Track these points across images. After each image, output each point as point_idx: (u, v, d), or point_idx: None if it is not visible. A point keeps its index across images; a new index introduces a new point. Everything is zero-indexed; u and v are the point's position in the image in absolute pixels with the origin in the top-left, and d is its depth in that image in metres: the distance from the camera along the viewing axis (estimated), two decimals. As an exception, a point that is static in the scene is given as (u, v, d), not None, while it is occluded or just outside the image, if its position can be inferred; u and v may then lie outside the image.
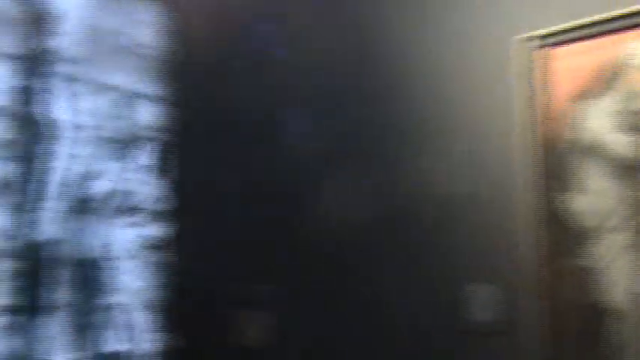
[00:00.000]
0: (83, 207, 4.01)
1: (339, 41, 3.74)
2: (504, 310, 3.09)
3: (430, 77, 3.40)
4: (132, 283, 4.16)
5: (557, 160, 2.99)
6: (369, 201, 3.58)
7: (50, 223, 3.80)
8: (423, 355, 3.30)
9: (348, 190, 3.66)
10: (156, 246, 4.29)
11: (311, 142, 3.86)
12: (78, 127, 3.94)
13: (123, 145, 4.22)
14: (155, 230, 4.29)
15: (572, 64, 2.99)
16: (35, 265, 3.73)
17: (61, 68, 3.86)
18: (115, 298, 4.06)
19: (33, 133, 3.76)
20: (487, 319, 3.16)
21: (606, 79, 2.93)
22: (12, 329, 3.59)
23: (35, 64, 3.77)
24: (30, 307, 3.70)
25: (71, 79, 3.91)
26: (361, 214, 3.59)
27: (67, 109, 3.89)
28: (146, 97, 4.35)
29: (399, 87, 3.50)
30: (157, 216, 4.31)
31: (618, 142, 2.86)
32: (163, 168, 4.37)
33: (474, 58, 3.25)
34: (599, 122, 2.94)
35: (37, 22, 3.79)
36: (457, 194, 3.27)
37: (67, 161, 3.88)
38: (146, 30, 4.40)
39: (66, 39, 3.89)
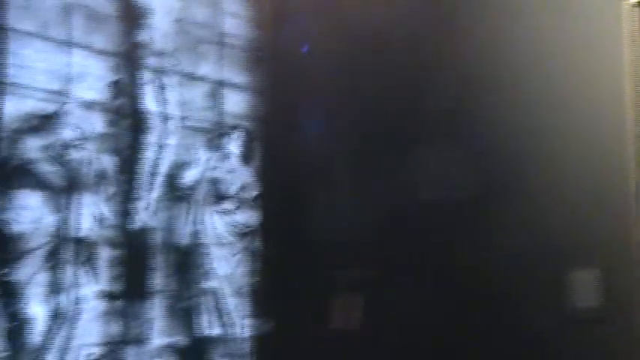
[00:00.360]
0: (175, 196, 4.15)
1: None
2: (613, 296, 2.98)
3: (545, 44, 3.32)
4: (223, 270, 4.27)
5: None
6: (465, 180, 3.51)
7: (145, 212, 3.96)
8: (527, 340, 3.23)
9: (441, 170, 3.61)
10: (246, 232, 4.39)
11: (398, 125, 3.84)
12: (168, 118, 4.08)
13: (212, 134, 4.33)
14: (245, 217, 4.39)
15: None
16: (132, 252, 3.91)
17: (152, 61, 3.99)
18: (207, 284, 4.19)
19: (129, 126, 3.92)
20: (593, 305, 3.05)
21: None
22: (112, 314, 3.78)
23: (127, 58, 3.93)
24: (129, 292, 3.88)
25: (161, 72, 4.05)
26: (460, 195, 3.52)
27: (157, 101, 4.03)
28: (233, 86, 4.45)
29: (510, 54, 3.45)
30: (246, 203, 4.41)
31: None
32: (251, 156, 4.46)
33: (585, 23, 3.19)
34: None
35: (128, 17, 3.94)
36: (567, 173, 3.16)
37: (159, 152, 4.03)
38: (232, 20, 4.48)
39: (155, 33, 4.02)
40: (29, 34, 3.50)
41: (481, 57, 3.55)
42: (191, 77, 4.22)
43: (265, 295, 4.37)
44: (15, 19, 3.43)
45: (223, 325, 4.23)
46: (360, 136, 4.02)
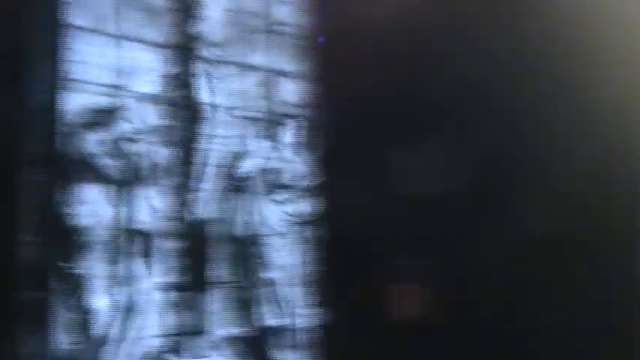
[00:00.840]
0: (237, 186, 4.19)
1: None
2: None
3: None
4: (286, 259, 4.30)
5: None
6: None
7: (207, 202, 4.01)
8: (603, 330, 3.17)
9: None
10: (303, 222, 4.40)
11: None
12: (228, 109, 4.11)
13: (269, 123, 4.35)
14: (301, 206, 4.40)
15: None
16: (195, 243, 3.97)
17: (207, 53, 4.03)
18: (269, 274, 4.22)
19: (185, 118, 3.97)
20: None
21: None
22: (177, 305, 3.85)
23: (182, 50, 3.98)
24: (192, 284, 3.95)
25: (217, 63, 4.08)
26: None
27: (214, 92, 4.07)
28: (289, 75, 4.45)
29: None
30: (306, 192, 4.41)
31: None
32: (309, 144, 4.45)
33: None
34: None
35: (181, 10, 3.98)
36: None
37: (219, 142, 4.07)
38: (284, 8, 4.47)
39: (209, 24, 4.06)
40: (88, 30, 3.58)
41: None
42: (244, 67, 4.24)
43: (325, 285, 4.37)
44: (75, 17, 3.51)
45: (283, 316, 4.26)
46: (414, 120, 3.97)
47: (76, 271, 3.44)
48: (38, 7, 3.38)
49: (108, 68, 3.63)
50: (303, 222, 4.40)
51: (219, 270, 4.03)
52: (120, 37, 3.69)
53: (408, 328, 4.03)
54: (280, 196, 4.31)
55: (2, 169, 3.19)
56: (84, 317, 3.46)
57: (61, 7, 3.45)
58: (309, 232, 4.40)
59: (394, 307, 4.11)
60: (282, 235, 4.30)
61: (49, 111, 3.38)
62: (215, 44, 4.05)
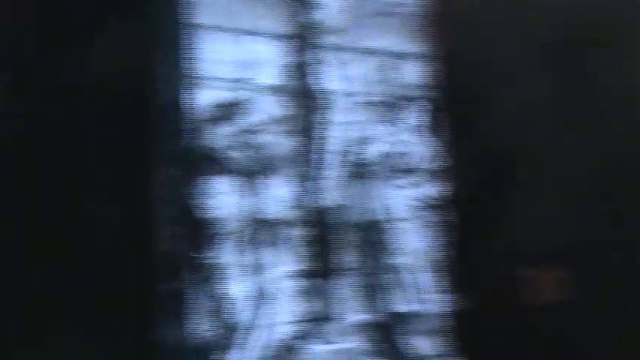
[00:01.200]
0: (361, 172, 4.21)
1: None
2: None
3: None
4: (414, 244, 4.28)
5: None
6: None
7: (332, 190, 4.06)
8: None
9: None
10: (434, 205, 4.35)
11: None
12: (349, 95, 4.12)
13: (393, 107, 4.32)
14: (432, 190, 4.35)
15: None
16: (322, 231, 4.04)
17: (328, 39, 4.06)
18: (398, 260, 4.22)
19: (308, 106, 4.04)
20: None
21: None
22: (306, 293, 3.95)
23: (303, 39, 4.03)
24: (321, 271, 4.02)
25: (338, 49, 4.10)
26: None
27: (337, 78, 4.10)
28: (412, 56, 4.39)
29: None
30: (432, 175, 4.36)
31: None
32: (434, 126, 4.39)
33: None
34: None
35: (303, 0, 4.04)
36: None
37: (341, 129, 4.10)
38: (404, -12, 4.42)
39: (329, 10, 4.08)
40: (210, 27, 3.73)
41: None
42: (366, 51, 4.22)
43: (456, 270, 4.32)
44: (197, 16, 3.65)
45: (415, 302, 4.25)
46: (544, 102, 3.84)
47: (209, 261, 3.61)
48: (162, 8, 3.56)
49: (230, 63, 3.75)
50: (432, 205, 4.35)
51: (347, 257, 4.07)
52: (240, 32, 3.80)
53: (545, 311, 3.92)
54: (405, 180, 4.29)
55: (137, 166, 3.41)
56: (218, 306, 3.62)
57: (183, 6, 3.61)
58: (437, 215, 4.35)
59: (529, 290, 4.00)
60: (410, 219, 4.29)
61: (177, 108, 3.56)
62: (333, 31, 4.07)
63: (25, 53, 3.15)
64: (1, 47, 3.09)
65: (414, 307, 4.24)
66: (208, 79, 3.67)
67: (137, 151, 3.39)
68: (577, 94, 4.04)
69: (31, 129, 3.10)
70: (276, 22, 3.93)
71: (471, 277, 4.24)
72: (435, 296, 4.29)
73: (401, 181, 4.27)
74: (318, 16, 4.03)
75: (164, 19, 3.58)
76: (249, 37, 3.82)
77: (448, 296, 4.31)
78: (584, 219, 3.99)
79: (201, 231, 3.57)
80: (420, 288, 4.26)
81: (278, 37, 3.94)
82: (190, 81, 3.60)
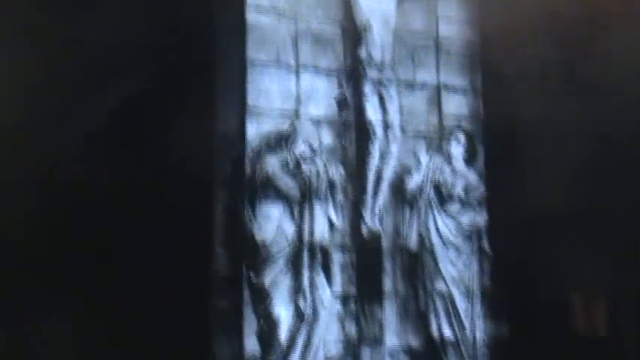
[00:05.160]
0: (408, 200, 4.64)
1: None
2: None
3: None
4: (452, 272, 4.64)
5: None
6: None
7: (377, 217, 4.50)
8: None
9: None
10: (473, 234, 4.73)
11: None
12: (391, 126, 4.58)
13: (433, 138, 4.76)
14: (471, 218, 4.74)
15: None
16: (367, 256, 4.46)
17: (376, 73, 4.54)
18: (437, 287, 4.61)
19: (356, 137, 4.49)
20: None
21: None
22: (351, 316, 4.37)
23: (352, 73, 4.52)
24: (369, 295, 4.43)
25: (382, 82, 4.58)
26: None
27: (384, 110, 4.55)
28: (452, 89, 4.83)
29: None
30: (472, 204, 4.75)
31: None
32: (474, 157, 4.80)
33: None
34: None
35: (349, 36, 4.54)
36: None
37: (383, 159, 4.54)
38: (448, 24, 4.87)
39: (377, 45, 4.56)
40: (265, 62, 4.26)
41: None
42: (410, 84, 4.70)
43: (497, 297, 4.66)
44: (253, 51, 4.21)
45: (455, 328, 4.62)
46: (585, 135, 4.20)
47: (260, 282, 4.08)
48: (225, 44, 4.09)
49: (285, 96, 4.27)
50: (473, 233, 4.74)
51: (391, 282, 4.50)
52: (296, 67, 4.33)
53: (589, 338, 4.18)
54: (449, 208, 4.70)
55: (198, 191, 3.89)
56: (267, 326, 4.08)
57: (244, 43, 4.15)
58: (479, 243, 4.74)
59: (574, 318, 4.27)
60: (452, 246, 4.68)
61: (236, 137, 4.08)
62: (382, 65, 4.56)
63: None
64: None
65: (454, 333, 4.61)
66: (263, 110, 4.20)
67: (197, 177, 3.88)
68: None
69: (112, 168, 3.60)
70: (327, 57, 4.44)
71: (512, 305, 4.57)
72: (475, 323, 4.65)
73: (448, 209, 4.68)
74: (370, 50, 4.51)
75: (223, 53, 4.11)
76: (302, 72, 4.34)
77: (489, 323, 4.65)
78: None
79: (255, 253, 4.04)
80: (460, 314, 4.63)
81: (328, 71, 4.44)
82: (247, 112, 4.12)
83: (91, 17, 3.72)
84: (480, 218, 4.75)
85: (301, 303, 4.15)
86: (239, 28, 4.18)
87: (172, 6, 3.86)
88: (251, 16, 4.23)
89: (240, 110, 4.11)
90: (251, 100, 4.16)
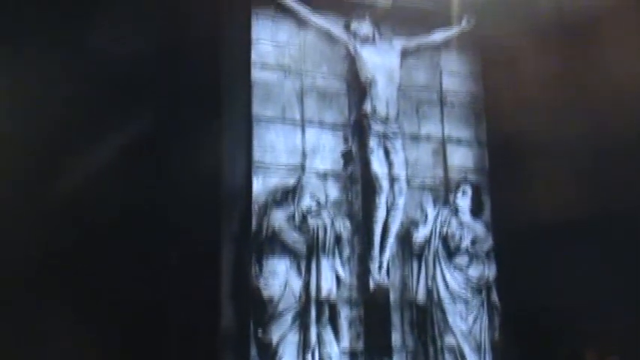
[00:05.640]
0: (415, 253, 4.67)
1: None
2: None
3: None
4: (461, 326, 4.65)
5: None
6: None
7: (381, 270, 4.53)
8: None
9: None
10: (481, 287, 4.74)
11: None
12: (397, 179, 4.65)
13: (439, 190, 4.81)
14: (479, 271, 4.75)
15: None
16: (371, 311, 4.46)
17: (378, 127, 4.62)
18: (449, 341, 4.60)
19: (363, 190, 4.54)
20: None
21: None
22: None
23: (355, 128, 4.59)
24: (377, 349, 4.42)
25: (387, 136, 4.65)
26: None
27: (385, 164, 4.64)
28: (457, 142, 4.90)
29: None
30: (480, 257, 4.78)
31: None
32: (481, 209, 4.84)
33: None
34: None
35: (356, 90, 4.63)
36: None
37: (390, 212, 4.60)
38: (452, 78, 4.97)
39: (379, 100, 4.66)
40: (271, 117, 4.34)
41: None
42: (416, 137, 4.77)
43: (507, 352, 4.65)
44: (258, 107, 4.31)
45: (464, 381, 4.59)
46: (591, 185, 4.25)
47: (271, 339, 4.09)
48: (230, 103, 4.18)
49: (291, 151, 4.34)
50: (482, 287, 4.75)
51: (404, 336, 4.50)
52: (301, 122, 4.42)
53: None
54: (457, 261, 4.72)
55: (205, 247, 3.94)
56: (277, 381, 4.08)
57: (249, 100, 4.25)
58: (485, 296, 4.74)
59: None
60: (460, 300, 4.69)
61: (242, 192, 4.14)
62: (387, 119, 4.65)
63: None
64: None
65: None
66: (269, 165, 4.26)
67: (204, 232, 3.93)
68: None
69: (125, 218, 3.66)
70: (332, 111, 4.53)
71: (518, 358, 4.55)
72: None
73: (456, 262, 4.70)
74: (375, 105, 4.60)
75: (229, 110, 4.20)
76: (307, 126, 4.42)
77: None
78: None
79: (262, 308, 4.06)
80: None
81: (333, 125, 4.52)
82: (253, 167, 4.19)
83: (100, 72, 3.82)
84: (489, 271, 4.76)
85: (310, 358, 4.15)
86: (245, 84, 4.28)
87: (179, 62, 3.95)
88: (257, 73, 4.34)
89: (247, 165, 4.18)
90: (257, 155, 4.23)
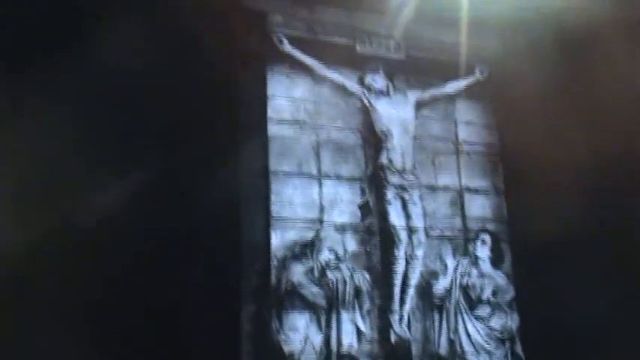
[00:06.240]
0: (436, 304, 4.66)
1: None
2: None
3: None
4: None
5: None
6: None
7: (402, 323, 4.51)
8: None
9: None
10: (506, 338, 4.70)
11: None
12: (415, 231, 4.67)
13: (458, 241, 4.83)
14: (501, 322, 4.73)
15: None
16: (396, 363, 4.47)
17: (394, 179, 4.67)
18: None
19: (380, 242, 4.57)
20: None
21: None
22: None
23: (375, 180, 4.65)
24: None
25: (404, 187, 4.70)
26: None
27: (403, 215, 4.67)
28: (475, 191, 4.94)
29: None
30: (503, 307, 4.75)
31: None
32: (501, 259, 4.84)
33: None
34: None
35: (372, 143, 4.69)
36: None
37: (409, 264, 4.61)
38: (467, 128, 5.04)
39: (395, 152, 4.72)
40: (288, 172, 4.41)
41: None
42: (433, 188, 4.82)
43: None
44: (275, 162, 4.38)
45: None
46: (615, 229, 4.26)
47: (290, 394, 4.07)
48: (248, 159, 4.26)
49: (308, 204, 4.40)
50: (501, 338, 4.71)
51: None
52: (318, 175, 4.48)
53: None
54: (478, 312, 4.70)
55: (224, 302, 3.96)
56: None
57: (266, 155, 4.33)
58: (507, 348, 4.70)
59: None
60: (483, 352, 4.65)
61: (261, 247, 4.18)
62: (405, 170, 4.70)
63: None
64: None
65: None
66: (287, 220, 4.31)
67: (222, 288, 3.96)
68: None
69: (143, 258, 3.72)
70: (348, 164, 4.59)
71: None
72: None
73: (478, 313, 4.68)
74: (387, 157, 4.66)
75: (246, 165, 4.27)
76: (324, 180, 4.49)
77: None
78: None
79: (281, 363, 4.06)
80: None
81: (350, 178, 4.58)
82: (271, 222, 4.25)
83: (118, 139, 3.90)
84: (512, 322, 4.74)
85: (331, 416, 4.14)
86: (261, 139, 4.36)
87: (196, 118, 4.03)
88: (273, 128, 4.42)
89: (265, 220, 4.23)
90: (275, 209, 4.29)
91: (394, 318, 4.46)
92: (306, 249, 4.31)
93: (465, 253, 4.79)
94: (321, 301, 4.25)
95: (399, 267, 4.55)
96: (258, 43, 4.52)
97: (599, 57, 4.40)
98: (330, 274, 4.31)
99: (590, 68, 4.51)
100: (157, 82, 3.92)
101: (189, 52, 4.09)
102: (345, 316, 4.28)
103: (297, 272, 4.24)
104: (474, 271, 4.76)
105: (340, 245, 4.41)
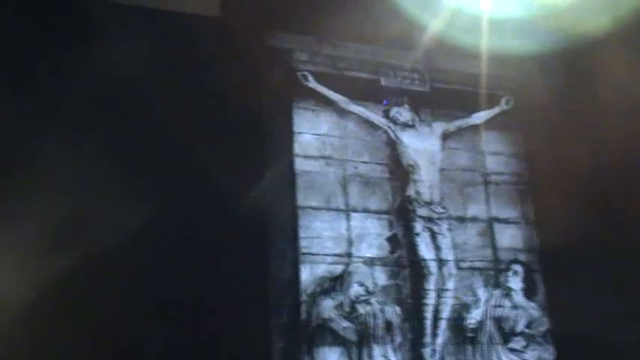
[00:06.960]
0: (470, 337, 4.64)
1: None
2: None
3: None
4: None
5: None
6: None
7: (436, 356, 4.49)
8: None
9: None
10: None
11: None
12: (445, 263, 4.68)
13: (490, 272, 4.82)
14: (536, 354, 4.68)
15: None
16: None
17: (422, 212, 4.70)
18: None
19: (412, 275, 4.59)
20: None
21: None
22: None
23: (400, 213, 4.68)
24: None
25: (432, 219, 4.72)
26: None
27: (432, 248, 4.69)
28: (505, 221, 4.94)
29: None
30: (538, 339, 4.71)
31: None
32: (534, 290, 4.81)
33: None
34: None
35: (399, 176, 4.74)
36: None
37: (447, 296, 4.61)
38: (494, 158, 5.06)
39: (422, 184, 4.75)
40: (315, 207, 4.47)
41: None
42: (462, 219, 4.83)
43: None
44: (302, 197, 4.45)
45: None
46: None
47: None
48: (275, 195, 4.32)
49: (336, 239, 4.44)
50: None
51: None
52: (346, 210, 4.53)
53: None
54: (512, 344, 4.67)
55: (255, 338, 3.99)
56: None
57: (294, 191, 4.39)
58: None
59: None
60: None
61: (290, 283, 4.22)
62: (433, 202, 4.73)
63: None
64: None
65: None
66: (316, 255, 4.35)
67: (253, 324, 3.99)
68: None
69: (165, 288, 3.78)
70: (376, 198, 4.63)
71: None
72: None
73: (512, 345, 4.65)
74: (419, 189, 4.70)
75: (274, 202, 4.34)
76: (352, 214, 4.53)
77: None
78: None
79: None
80: None
81: (378, 212, 4.62)
82: (300, 258, 4.29)
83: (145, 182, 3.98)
84: (548, 353, 4.69)
85: None
86: (288, 176, 4.43)
87: (221, 158, 4.11)
88: (299, 164, 4.49)
89: (294, 256, 4.28)
90: (303, 245, 4.33)
91: (426, 352, 4.45)
92: (336, 283, 4.34)
93: (497, 284, 4.78)
94: (352, 336, 4.26)
95: (430, 300, 4.55)
96: (284, 80, 4.61)
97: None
98: (360, 309, 4.33)
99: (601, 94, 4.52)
100: (182, 120, 4.02)
101: (216, 89, 4.19)
102: (376, 350, 4.29)
103: (327, 307, 4.26)
104: (507, 303, 4.74)
105: (370, 279, 4.43)
